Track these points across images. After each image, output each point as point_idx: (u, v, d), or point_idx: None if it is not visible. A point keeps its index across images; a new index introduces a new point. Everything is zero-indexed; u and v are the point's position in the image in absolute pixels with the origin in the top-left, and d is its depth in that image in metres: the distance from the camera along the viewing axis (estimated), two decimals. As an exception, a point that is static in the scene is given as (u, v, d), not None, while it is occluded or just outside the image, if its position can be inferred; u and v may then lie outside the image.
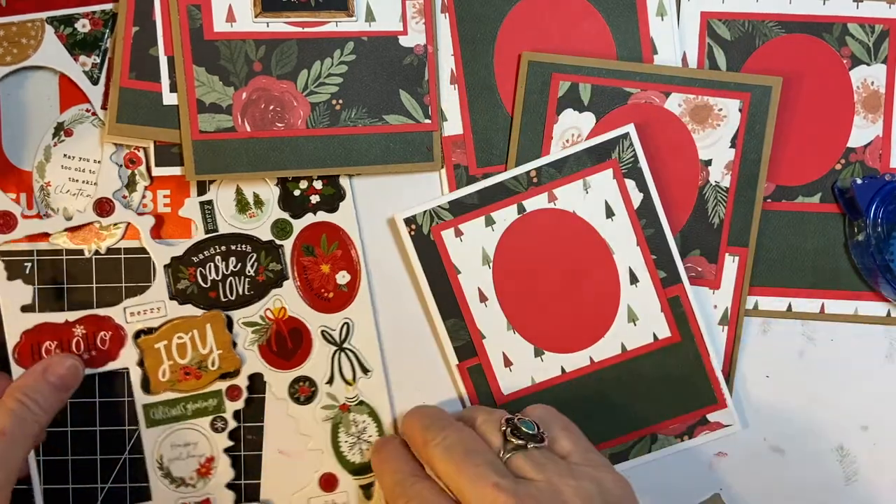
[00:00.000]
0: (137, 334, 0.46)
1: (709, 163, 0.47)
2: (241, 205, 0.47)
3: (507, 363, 0.47)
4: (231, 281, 0.47)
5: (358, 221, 0.47)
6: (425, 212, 0.47)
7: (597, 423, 0.48)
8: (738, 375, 0.49)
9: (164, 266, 0.47)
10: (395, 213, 0.47)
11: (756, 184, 0.47)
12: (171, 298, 0.47)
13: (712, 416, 0.48)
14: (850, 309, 0.48)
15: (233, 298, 0.47)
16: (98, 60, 0.46)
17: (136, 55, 0.45)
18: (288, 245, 0.47)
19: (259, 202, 0.47)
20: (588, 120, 0.47)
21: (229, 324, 0.47)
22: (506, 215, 0.47)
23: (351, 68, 0.46)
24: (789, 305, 0.48)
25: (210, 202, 0.47)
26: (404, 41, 0.47)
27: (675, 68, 0.47)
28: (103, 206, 0.46)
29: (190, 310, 0.47)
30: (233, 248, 0.47)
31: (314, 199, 0.47)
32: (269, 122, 0.46)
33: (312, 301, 0.47)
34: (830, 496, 0.49)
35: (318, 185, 0.47)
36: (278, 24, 0.46)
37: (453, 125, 0.48)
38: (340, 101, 0.46)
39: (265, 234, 0.47)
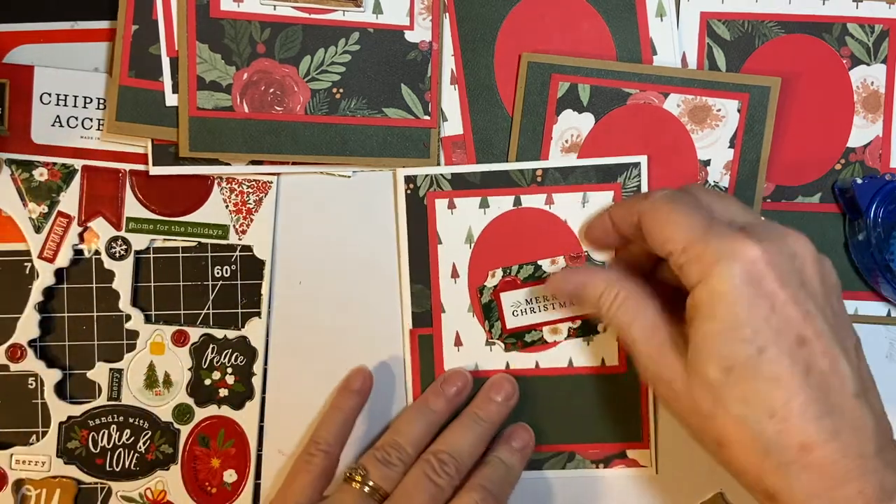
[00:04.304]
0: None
1: (707, 163, 0.47)
2: (150, 380, 0.47)
3: (458, 342, 0.47)
4: (120, 452, 0.47)
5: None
6: (427, 175, 0.47)
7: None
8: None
9: (60, 422, 0.47)
10: (397, 169, 0.47)
11: (755, 184, 0.47)
12: (57, 456, 0.47)
13: (631, 453, 0.48)
14: (850, 309, 0.47)
15: (117, 470, 0.47)
16: (46, 211, 0.46)
17: (136, 53, 0.45)
18: (185, 431, 0.47)
19: (168, 382, 0.47)
20: (587, 120, 0.47)
21: (82, 498, 0.47)
22: (501, 203, 0.47)
23: (354, 58, 0.46)
24: (789, 306, 0.48)
25: (120, 371, 0.47)
26: (410, 36, 0.47)
27: (673, 69, 0.47)
28: (14, 352, 0.47)
29: (73, 471, 0.47)
30: (131, 421, 0.47)
31: (223, 392, 0.47)
32: (269, 104, 0.46)
33: (195, 491, 0.47)
34: (830, 497, 0.49)
35: (230, 379, 0.47)
36: (285, 8, 0.46)
37: (453, 125, 0.48)
38: (341, 91, 0.46)
39: (166, 415, 0.47)
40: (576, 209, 0.47)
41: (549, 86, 0.47)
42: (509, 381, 0.46)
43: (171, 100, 0.46)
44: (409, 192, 0.47)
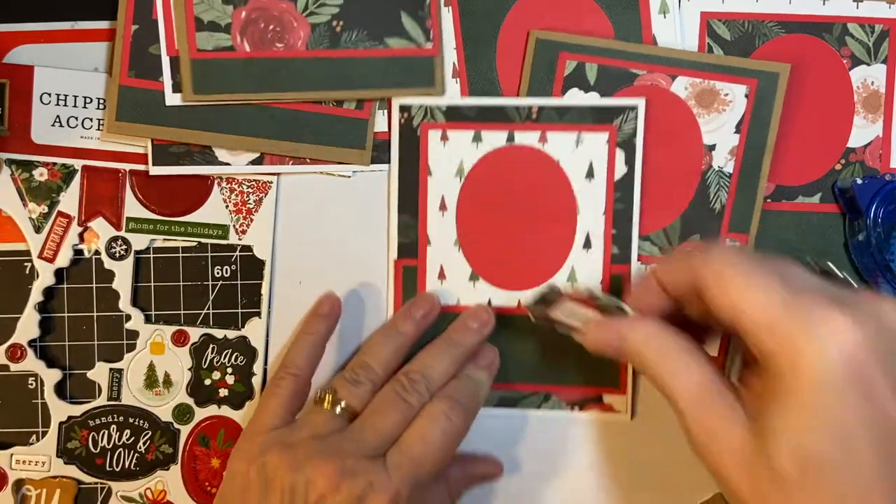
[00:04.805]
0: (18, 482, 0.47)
1: (713, 147, 0.47)
2: (150, 380, 0.47)
3: (442, 276, 0.48)
4: (120, 452, 0.47)
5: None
6: (422, 106, 0.47)
7: (501, 362, 0.47)
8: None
9: (60, 423, 0.47)
10: (392, 97, 0.47)
11: (759, 171, 0.47)
12: (57, 456, 0.47)
13: (607, 398, 0.48)
14: (849, 308, 0.48)
15: (117, 470, 0.47)
16: (46, 211, 0.46)
17: (136, 53, 0.45)
18: (185, 431, 0.48)
19: (168, 382, 0.47)
20: (593, 100, 0.47)
21: (81, 498, 0.47)
22: (494, 138, 0.47)
23: None
24: (789, 305, 0.48)
25: (120, 371, 0.47)
26: None
27: (682, 51, 0.47)
28: (14, 352, 0.47)
29: (73, 471, 0.47)
30: (131, 421, 0.47)
31: (223, 392, 0.48)
32: (269, 42, 0.45)
33: (195, 491, 0.48)
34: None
35: (230, 379, 0.48)
36: None
37: (455, 120, 0.48)
38: (341, 23, 0.46)
39: (166, 415, 0.47)
40: (569, 149, 0.47)
41: (556, 64, 0.47)
42: (486, 311, 0.46)
43: (171, 99, 0.46)
44: (402, 121, 0.47)
